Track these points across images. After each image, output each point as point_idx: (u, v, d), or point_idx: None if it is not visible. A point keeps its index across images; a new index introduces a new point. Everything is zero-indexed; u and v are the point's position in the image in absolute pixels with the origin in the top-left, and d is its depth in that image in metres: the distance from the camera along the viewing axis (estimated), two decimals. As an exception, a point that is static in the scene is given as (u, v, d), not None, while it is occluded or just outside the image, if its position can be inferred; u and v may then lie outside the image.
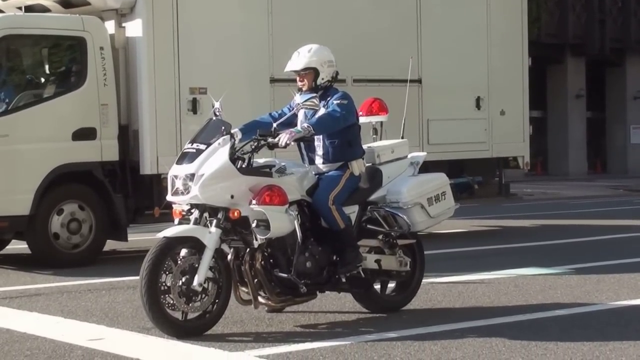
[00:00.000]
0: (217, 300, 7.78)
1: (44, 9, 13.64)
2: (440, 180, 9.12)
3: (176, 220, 8.00)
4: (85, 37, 12.76)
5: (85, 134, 12.70)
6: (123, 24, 13.18)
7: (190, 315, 7.76)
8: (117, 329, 8.13)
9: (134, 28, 13.09)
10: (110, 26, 13.13)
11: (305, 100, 8.20)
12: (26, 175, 12.29)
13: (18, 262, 12.93)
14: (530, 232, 17.34)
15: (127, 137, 13.11)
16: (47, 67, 13.22)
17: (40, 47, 13.09)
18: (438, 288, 10.14)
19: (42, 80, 13.19)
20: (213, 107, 8.20)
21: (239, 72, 13.81)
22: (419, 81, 15.46)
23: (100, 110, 12.79)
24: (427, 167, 15.36)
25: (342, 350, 7.20)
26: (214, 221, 7.78)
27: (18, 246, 13.58)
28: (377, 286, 8.89)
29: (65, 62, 13.29)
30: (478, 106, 16.43)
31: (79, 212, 12.60)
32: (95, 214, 12.68)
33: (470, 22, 16.45)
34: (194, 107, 13.22)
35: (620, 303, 9.22)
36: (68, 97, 12.70)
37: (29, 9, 13.60)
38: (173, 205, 8.03)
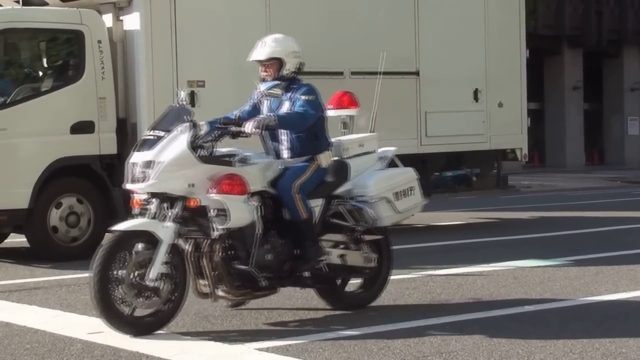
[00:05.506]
0: (172, 297, 7.56)
1: (41, 2, 13.61)
2: (408, 175, 8.89)
3: (136, 210, 7.79)
4: (83, 31, 12.75)
5: (83, 127, 12.69)
6: (121, 17, 13.18)
7: (142, 312, 7.56)
8: (117, 323, 8.11)
9: (131, 21, 13.09)
10: (107, 19, 13.13)
11: (269, 88, 8.11)
12: (25, 169, 12.29)
13: (17, 256, 12.92)
14: (529, 224, 17.35)
15: (125, 130, 13.10)
16: (45, 60, 13.21)
17: (38, 41, 13.08)
18: (437, 280, 10.14)
19: (40, 73, 13.17)
20: (178, 96, 7.99)
21: (236, 66, 13.78)
22: (417, 73, 15.44)
23: (98, 104, 12.79)
24: (425, 159, 15.51)
25: (342, 343, 7.20)
26: (170, 215, 7.57)
27: (17, 240, 13.59)
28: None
29: (63, 56, 13.28)
30: (476, 98, 16.42)
31: (78, 206, 12.60)
32: (93, 208, 12.68)
33: (468, 14, 16.44)
34: (192, 100, 13.19)
35: (619, 295, 9.22)
36: (66, 90, 12.70)
37: (26, 2, 13.56)
38: (132, 195, 7.82)
